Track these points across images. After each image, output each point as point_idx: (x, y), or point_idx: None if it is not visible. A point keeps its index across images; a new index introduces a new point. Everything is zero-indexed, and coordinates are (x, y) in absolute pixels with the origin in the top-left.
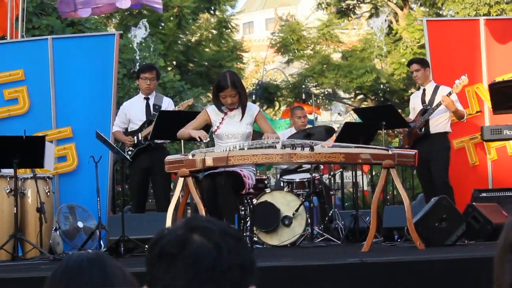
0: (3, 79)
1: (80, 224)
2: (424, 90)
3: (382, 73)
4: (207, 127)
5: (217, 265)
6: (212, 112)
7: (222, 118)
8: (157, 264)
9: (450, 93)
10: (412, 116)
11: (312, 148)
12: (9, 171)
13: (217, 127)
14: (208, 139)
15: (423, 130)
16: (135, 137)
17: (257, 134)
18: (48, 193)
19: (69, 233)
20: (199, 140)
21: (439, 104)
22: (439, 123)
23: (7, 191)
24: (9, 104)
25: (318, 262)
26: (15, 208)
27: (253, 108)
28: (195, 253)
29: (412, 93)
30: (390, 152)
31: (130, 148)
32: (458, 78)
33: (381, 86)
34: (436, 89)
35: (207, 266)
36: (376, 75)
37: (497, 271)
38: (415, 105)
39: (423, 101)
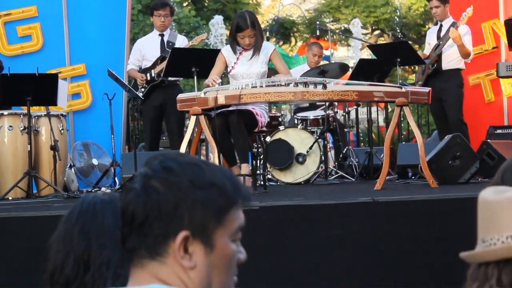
0: (16, 15)
1: (94, 161)
2: (441, 25)
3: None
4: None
5: (135, 219)
6: (226, 52)
7: (237, 58)
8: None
9: (457, 26)
10: (427, 52)
11: (325, 86)
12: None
13: (232, 67)
14: (220, 80)
15: (435, 65)
16: (148, 74)
17: (271, 71)
18: (62, 131)
19: (84, 170)
20: (212, 85)
21: (449, 38)
22: (452, 59)
23: (21, 128)
24: (22, 41)
25: (328, 201)
26: (29, 146)
27: (268, 47)
28: (126, 208)
29: (429, 28)
30: (403, 90)
31: (144, 85)
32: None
33: (398, 20)
34: (453, 25)
35: (127, 221)
36: (394, 8)
37: None
38: (430, 40)
39: (438, 37)
